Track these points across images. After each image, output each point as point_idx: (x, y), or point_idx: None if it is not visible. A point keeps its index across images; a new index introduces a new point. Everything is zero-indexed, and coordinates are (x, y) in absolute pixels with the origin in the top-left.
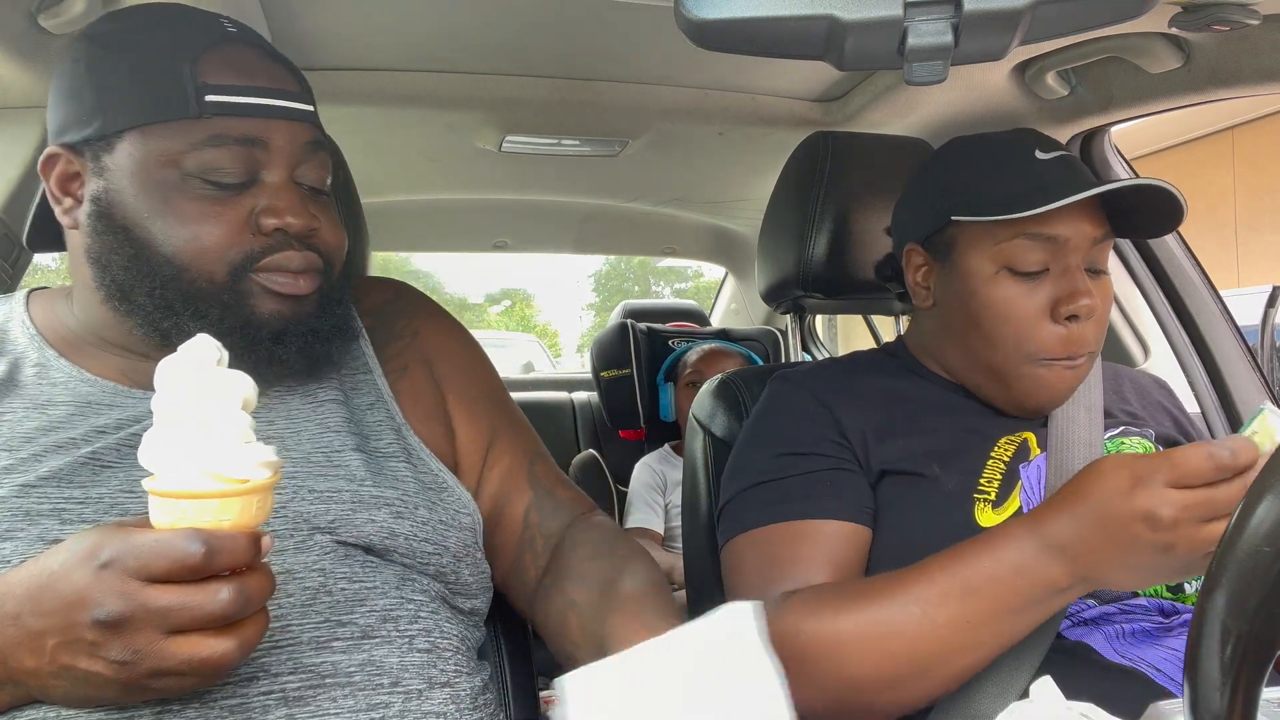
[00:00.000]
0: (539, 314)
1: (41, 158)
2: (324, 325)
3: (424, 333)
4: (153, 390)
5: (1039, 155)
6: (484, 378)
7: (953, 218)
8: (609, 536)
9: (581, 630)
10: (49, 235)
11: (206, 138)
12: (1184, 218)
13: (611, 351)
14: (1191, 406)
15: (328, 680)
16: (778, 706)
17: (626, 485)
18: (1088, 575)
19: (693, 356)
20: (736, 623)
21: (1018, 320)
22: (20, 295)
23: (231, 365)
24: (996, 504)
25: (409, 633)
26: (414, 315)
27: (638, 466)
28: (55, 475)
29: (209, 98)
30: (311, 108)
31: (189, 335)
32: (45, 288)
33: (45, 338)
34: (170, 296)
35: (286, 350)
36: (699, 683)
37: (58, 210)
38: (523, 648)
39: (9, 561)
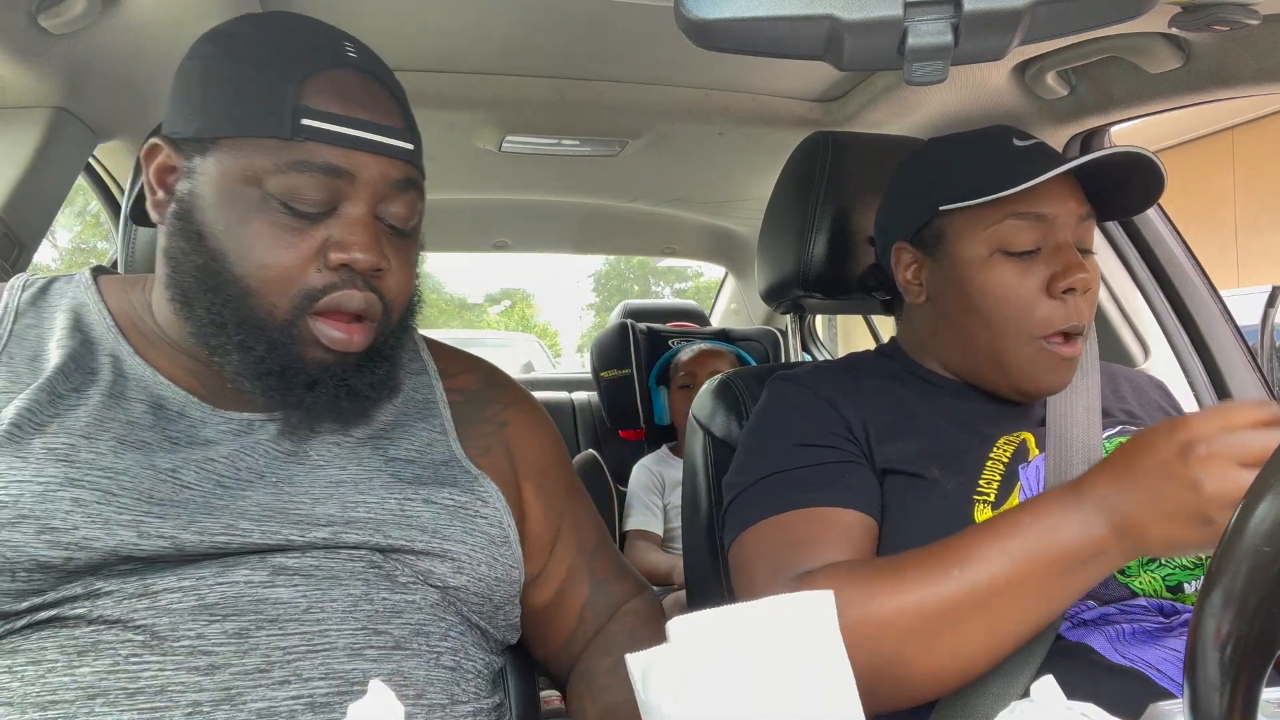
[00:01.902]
0: (539, 314)
1: (145, 146)
2: (360, 382)
3: (512, 423)
4: (222, 407)
5: (1017, 143)
6: (561, 470)
7: (940, 208)
8: (632, 639)
9: None
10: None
11: (293, 161)
12: (1164, 185)
13: (611, 352)
14: (1190, 406)
15: (355, 688)
16: (848, 695)
17: (626, 485)
18: (1125, 526)
19: (684, 358)
20: (814, 605)
21: (1016, 299)
22: (86, 277)
23: (261, 402)
24: (996, 505)
25: (438, 649)
26: (505, 405)
27: (635, 469)
28: (136, 486)
29: (304, 121)
30: (410, 145)
31: (231, 362)
32: (110, 271)
33: (121, 329)
34: (226, 316)
35: (317, 399)
36: (771, 654)
37: (150, 200)
38: (529, 672)
39: (78, 571)
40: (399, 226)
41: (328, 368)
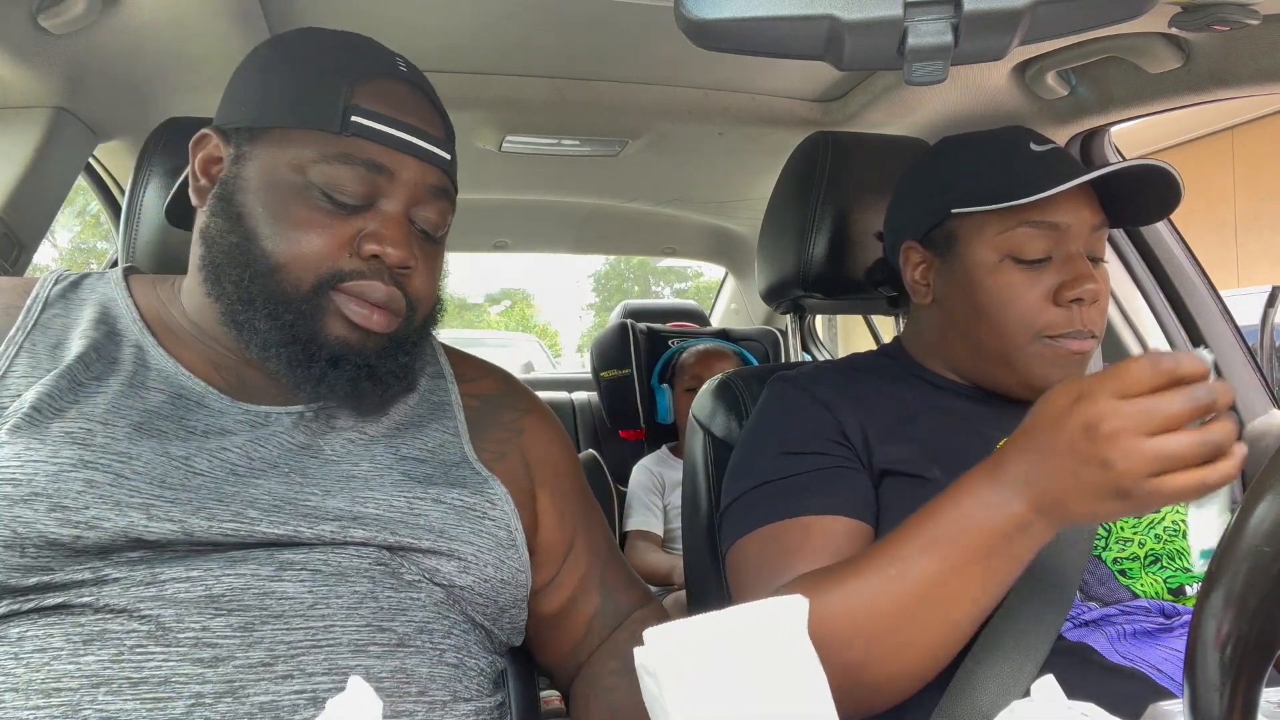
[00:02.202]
0: (539, 314)
1: (195, 136)
2: (381, 367)
3: (528, 430)
4: (241, 399)
5: (1034, 147)
6: (574, 479)
7: (953, 210)
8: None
9: None
10: (183, 212)
11: (339, 154)
12: (1181, 198)
13: (611, 352)
14: None
15: None
16: (820, 695)
17: (626, 485)
18: (1045, 504)
19: (690, 360)
20: (784, 610)
21: (1023, 306)
22: (117, 274)
23: (284, 377)
24: None
25: (441, 646)
26: (521, 412)
27: (635, 469)
28: (149, 471)
29: (354, 118)
30: (449, 156)
31: (258, 332)
32: (137, 269)
33: (147, 322)
34: (254, 290)
35: (338, 377)
36: (747, 662)
37: (193, 186)
38: (529, 672)
39: (87, 551)
40: (429, 232)
41: (350, 346)
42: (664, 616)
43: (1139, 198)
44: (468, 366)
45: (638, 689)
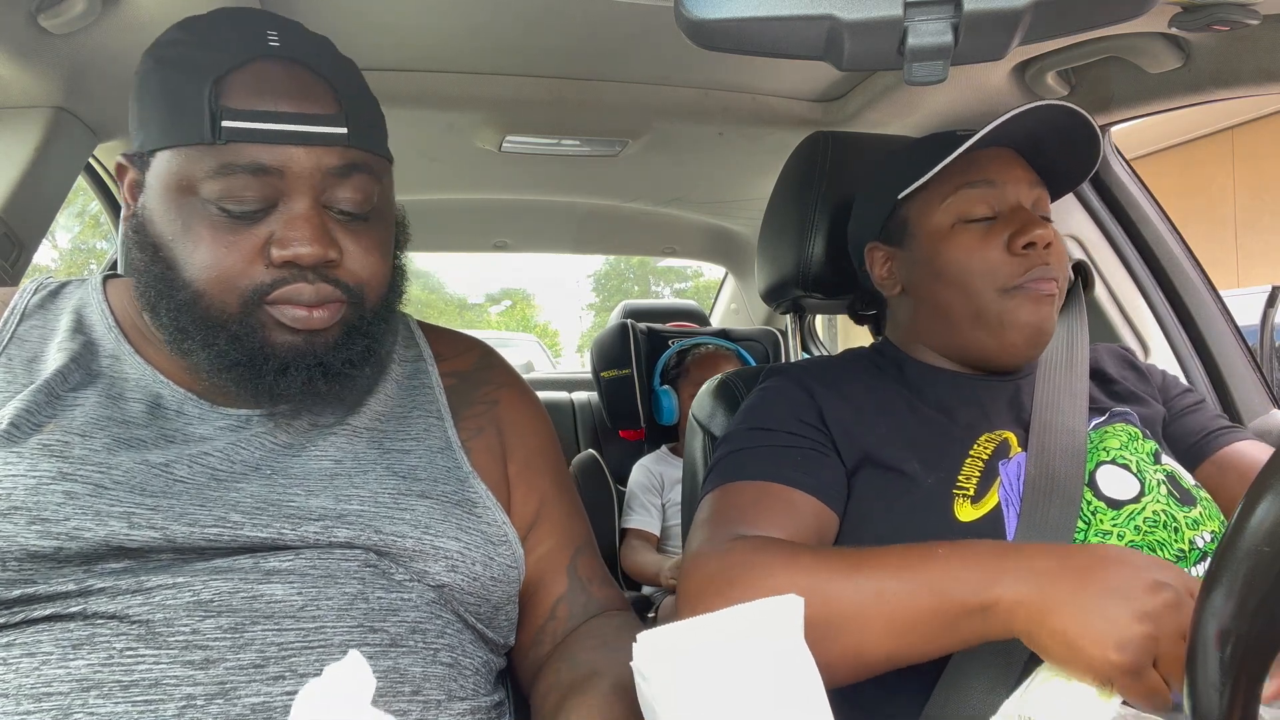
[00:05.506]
0: (539, 314)
1: (114, 166)
2: (335, 359)
3: (503, 402)
4: (220, 404)
5: (960, 133)
6: (548, 458)
7: (899, 196)
8: (621, 633)
9: (553, 707)
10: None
11: (220, 165)
12: (1099, 140)
13: (611, 351)
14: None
15: None
16: (816, 701)
17: (626, 485)
18: (1035, 604)
19: (697, 365)
20: (783, 613)
21: (981, 260)
22: (96, 281)
23: (235, 394)
24: (975, 499)
25: (434, 646)
26: (498, 385)
27: (635, 468)
28: (129, 480)
29: (226, 123)
30: (343, 129)
31: (201, 361)
32: (117, 274)
33: (122, 329)
34: (184, 321)
35: (289, 384)
36: (743, 664)
37: (124, 213)
38: None
39: (70, 561)
40: (353, 211)
41: (297, 349)
42: (639, 624)
43: (1066, 156)
44: (446, 344)
45: (619, 662)
